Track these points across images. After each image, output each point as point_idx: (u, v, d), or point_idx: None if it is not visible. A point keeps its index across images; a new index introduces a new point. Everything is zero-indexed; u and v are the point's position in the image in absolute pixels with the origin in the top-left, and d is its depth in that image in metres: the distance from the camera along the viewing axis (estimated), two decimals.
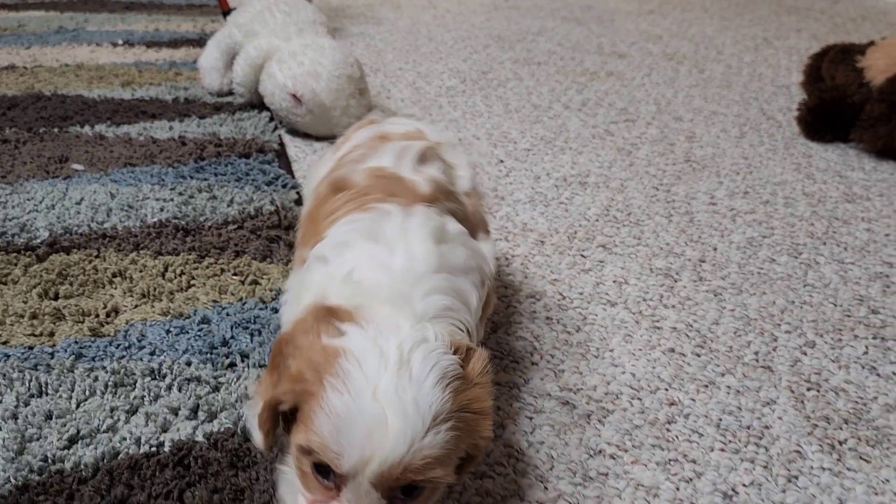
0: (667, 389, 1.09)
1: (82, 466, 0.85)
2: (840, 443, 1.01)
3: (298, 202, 1.53)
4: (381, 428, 0.58)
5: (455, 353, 0.66)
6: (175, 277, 1.22)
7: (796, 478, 0.95)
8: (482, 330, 0.87)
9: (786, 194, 1.73)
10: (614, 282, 1.35)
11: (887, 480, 0.95)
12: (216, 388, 0.99)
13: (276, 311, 1.15)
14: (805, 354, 1.18)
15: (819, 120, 2.03)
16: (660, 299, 1.31)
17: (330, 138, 1.86)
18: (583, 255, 1.43)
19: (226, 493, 0.83)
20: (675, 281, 1.37)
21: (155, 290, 1.19)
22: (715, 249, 1.48)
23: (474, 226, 0.94)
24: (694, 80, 2.55)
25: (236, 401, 0.97)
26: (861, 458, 0.99)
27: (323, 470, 0.62)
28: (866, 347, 1.21)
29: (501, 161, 1.83)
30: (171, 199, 1.46)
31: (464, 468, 0.69)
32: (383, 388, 0.60)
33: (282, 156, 1.75)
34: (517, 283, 1.32)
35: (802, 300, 1.33)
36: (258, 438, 0.70)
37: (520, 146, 1.93)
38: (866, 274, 1.42)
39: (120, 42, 2.55)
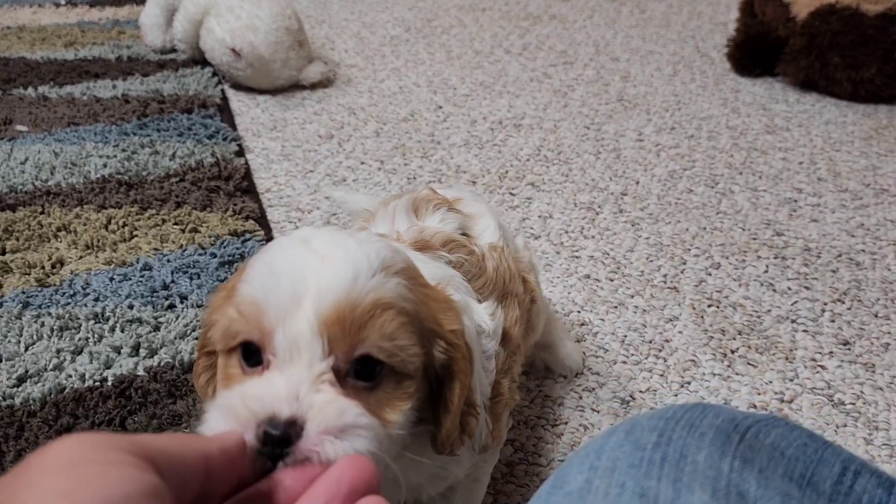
0: (579, 311, 1.18)
1: (31, 401, 0.93)
2: (732, 351, 1.11)
3: (239, 154, 1.58)
4: (316, 265, 0.49)
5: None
6: (118, 229, 1.28)
7: (689, 383, 1.06)
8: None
9: (710, 128, 1.82)
10: (539, 216, 1.44)
11: (770, 382, 1.06)
12: (157, 328, 1.07)
13: (214, 255, 1.22)
14: (710, 275, 1.28)
15: (747, 55, 2.10)
16: (581, 231, 1.39)
17: (272, 91, 1.91)
18: (512, 194, 1.51)
19: (164, 418, 0.92)
20: (597, 214, 1.45)
21: (99, 241, 1.25)
22: (637, 183, 1.57)
23: (495, 284, 0.74)
24: (634, 21, 2.60)
25: (175, 338, 1.04)
26: (749, 363, 1.09)
27: (249, 353, 0.51)
28: (767, 266, 1.31)
29: (440, 107, 1.89)
30: (114, 156, 1.51)
31: (447, 387, 0.57)
32: (319, 242, 0.52)
33: (224, 110, 1.80)
34: None
35: (714, 226, 1.42)
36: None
37: (459, 92, 1.99)
38: (776, 200, 1.52)
39: (62, 2, 2.54)
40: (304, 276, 0.49)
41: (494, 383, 0.68)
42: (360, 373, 0.50)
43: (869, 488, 0.41)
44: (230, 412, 0.46)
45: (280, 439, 0.44)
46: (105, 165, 1.47)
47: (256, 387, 0.48)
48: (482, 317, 0.68)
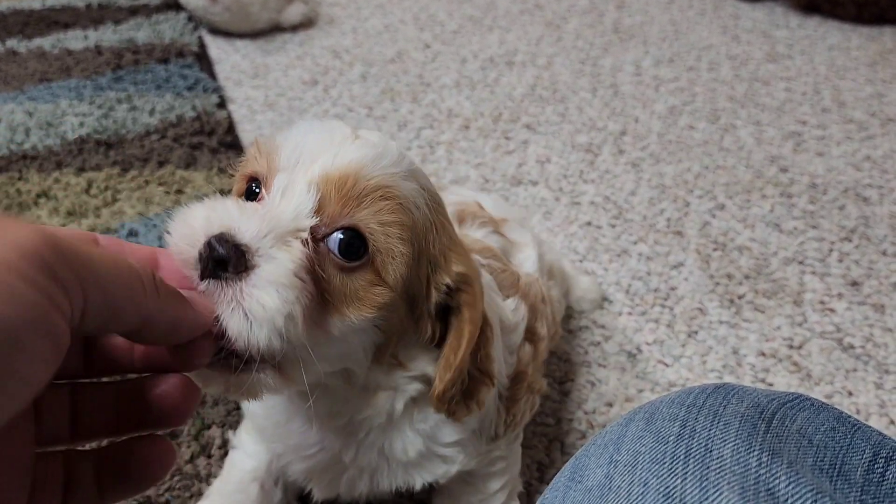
0: (581, 261, 1.15)
1: None
2: (739, 297, 1.09)
3: (221, 105, 1.52)
4: (349, 139, 0.49)
5: None
6: (100, 193, 1.23)
7: (696, 332, 1.03)
8: None
9: (710, 59, 1.75)
10: (537, 161, 1.39)
11: (778, 328, 1.04)
12: None
13: None
14: (714, 217, 1.25)
15: None
16: (580, 175, 1.35)
17: (252, 35, 1.82)
18: (507, 138, 1.46)
19: None
20: (596, 156, 1.40)
21: (80, 207, 1.20)
22: (636, 121, 1.51)
23: (523, 293, 0.70)
24: None
25: None
26: (756, 309, 1.07)
27: (251, 192, 0.50)
28: (772, 206, 1.27)
29: (428, 46, 1.81)
30: (91, 114, 1.44)
31: (450, 335, 0.53)
32: (366, 131, 0.52)
33: (203, 58, 1.71)
34: (441, 171, 1.35)
35: (717, 165, 1.38)
36: None
37: (447, 28, 1.90)
38: (780, 134, 1.47)
39: None
40: (333, 140, 0.48)
41: (516, 373, 0.65)
42: (344, 248, 0.47)
43: None
44: (189, 220, 0.43)
45: (219, 258, 0.41)
46: (82, 124, 1.41)
47: (230, 206, 0.44)
48: (504, 311, 0.65)
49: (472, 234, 0.72)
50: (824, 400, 0.93)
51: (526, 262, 0.77)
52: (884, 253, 1.17)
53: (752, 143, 1.44)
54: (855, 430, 0.43)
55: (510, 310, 0.66)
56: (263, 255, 0.42)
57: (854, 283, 1.11)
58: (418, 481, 0.61)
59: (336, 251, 0.46)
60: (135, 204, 1.21)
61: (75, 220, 1.18)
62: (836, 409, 0.45)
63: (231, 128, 1.45)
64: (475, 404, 0.56)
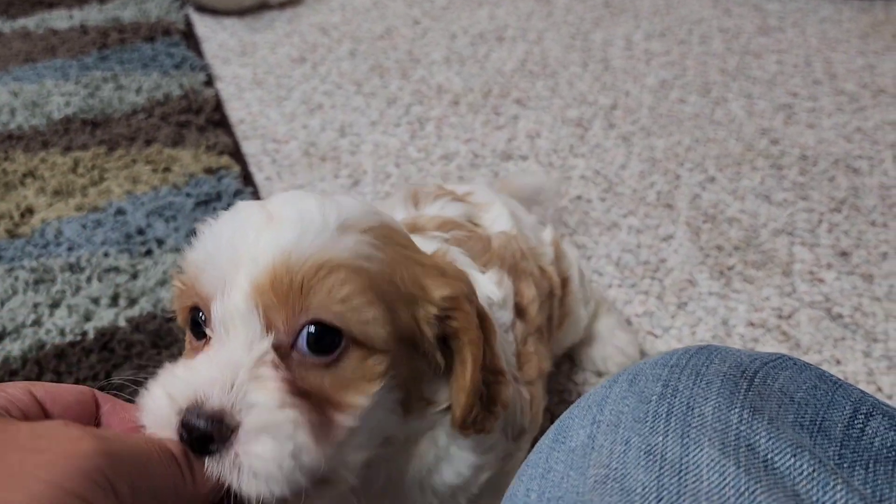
0: (571, 235, 1.15)
1: (11, 359, 0.90)
2: (728, 268, 1.09)
3: (208, 83, 1.50)
4: (260, 227, 0.44)
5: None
6: (87, 172, 1.22)
7: (686, 304, 1.03)
8: None
9: (702, 32, 1.74)
10: (527, 136, 1.38)
11: (768, 298, 1.04)
12: (134, 276, 1.03)
13: (189, 196, 1.17)
14: (705, 189, 1.24)
15: None
16: (570, 149, 1.34)
17: (239, 13, 1.80)
18: (497, 113, 1.45)
19: (150, 370, 0.89)
20: (586, 130, 1.40)
21: (67, 186, 1.19)
22: (627, 95, 1.50)
23: (502, 259, 0.66)
24: None
25: (155, 285, 1.01)
26: (746, 280, 1.07)
27: (196, 324, 0.46)
28: (762, 178, 1.27)
29: (417, 22, 1.79)
30: (77, 93, 1.43)
31: (456, 361, 0.50)
32: (276, 201, 0.46)
33: (189, 36, 1.70)
34: (431, 146, 1.34)
35: (708, 137, 1.37)
36: None
37: (437, 3, 1.88)
38: (771, 106, 1.46)
39: None
40: (246, 238, 0.43)
41: (518, 353, 0.62)
42: (316, 345, 0.43)
43: (881, 431, 0.39)
44: (152, 404, 0.41)
45: (203, 434, 0.38)
46: (68, 104, 1.40)
47: (182, 370, 0.42)
48: (488, 286, 0.61)
49: (427, 212, 0.69)
50: None
51: (497, 221, 0.72)
52: (873, 223, 1.17)
53: (743, 116, 1.43)
54: (836, 388, 0.43)
55: (493, 283, 0.62)
56: (241, 408, 0.40)
57: (843, 254, 1.11)
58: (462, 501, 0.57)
59: (310, 353, 0.43)
60: (122, 183, 1.20)
61: (62, 199, 1.17)
62: (818, 368, 0.45)
63: (219, 106, 1.44)
64: (499, 408, 0.52)
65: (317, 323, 0.42)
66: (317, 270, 0.42)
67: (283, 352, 0.42)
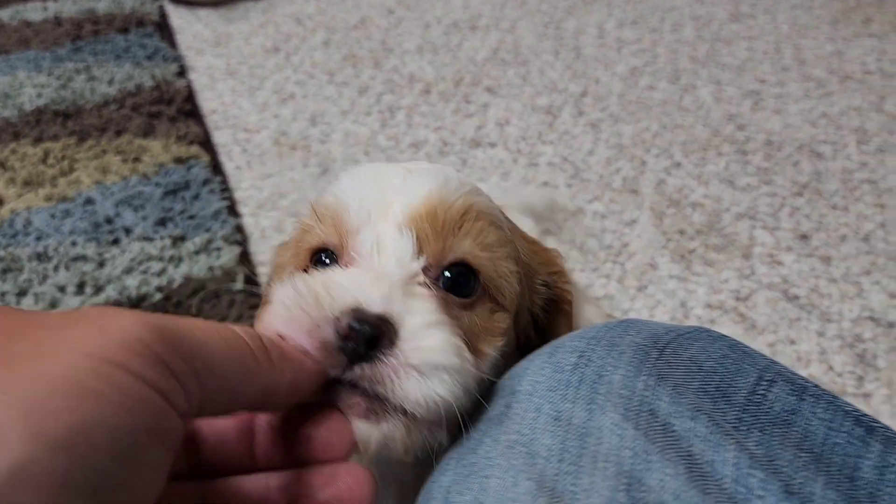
0: (536, 220, 1.16)
1: None
2: (690, 252, 1.11)
3: (181, 74, 1.51)
4: (402, 173, 0.44)
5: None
6: (57, 163, 1.23)
7: (646, 287, 1.05)
8: None
9: (674, 20, 1.75)
10: (496, 124, 1.39)
11: (727, 280, 1.06)
12: (101, 264, 1.04)
13: (158, 185, 1.18)
14: (670, 175, 1.26)
15: None
16: (539, 136, 1.36)
17: (214, 3, 1.80)
18: (467, 101, 1.46)
19: None
20: (555, 117, 1.41)
21: (37, 177, 1.20)
22: (597, 82, 1.52)
23: None
24: None
25: (121, 273, 1.02)
26: (706, 263, 1.09)
27: (321, 264, 0.44)
28: (727, 163, 1.28)
29: (392, 11, 1.80)
30: (49, 85, 1.44)
31: (554, 320, 0.51)
32: (407, 164, 0.47)
33: (164, 27, 1.70)
34: (400, 135, 1.36)
35: (675, 124, 1.39)
36: None
37: None
38: (739, 92, 1.48)
39: None
40: (391, 180, 0.43)
41: None
42: (454, 285, 0.42)
43: (781, 395, 0.40)
44: (303, 298, 0.37)
45: (370, 337, 0.36)
46: (39, 95, 1.40)
47: (339, 275, 0.39)
48: None
49: None
50: (766, 349, 0.95)
51: None
52: (834, 207, 1.19)
53: (710, 102, 1.45)
54: (745, 357, 0.44)
55: None
56: (402, 313, 0.38)
57: (803, 237, 1.13)
58: None
59: (451, 290, 0.42)
60: (92, 173, 1.21)
61: (32, 189, 1.18)
62: (733, 339, 0.46)
63: (190, 96, 1.45)
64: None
65: (462, 264, 0.43)
66: (465, 212, 0.43)
67: (430, 284, 0.41)
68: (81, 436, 0.22)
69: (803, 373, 0.82)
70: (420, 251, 0.41)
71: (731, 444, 0.36)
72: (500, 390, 0.45)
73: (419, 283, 0.41)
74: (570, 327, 0.52)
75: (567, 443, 0.39)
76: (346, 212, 0.43)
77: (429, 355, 0.37)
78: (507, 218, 0.50)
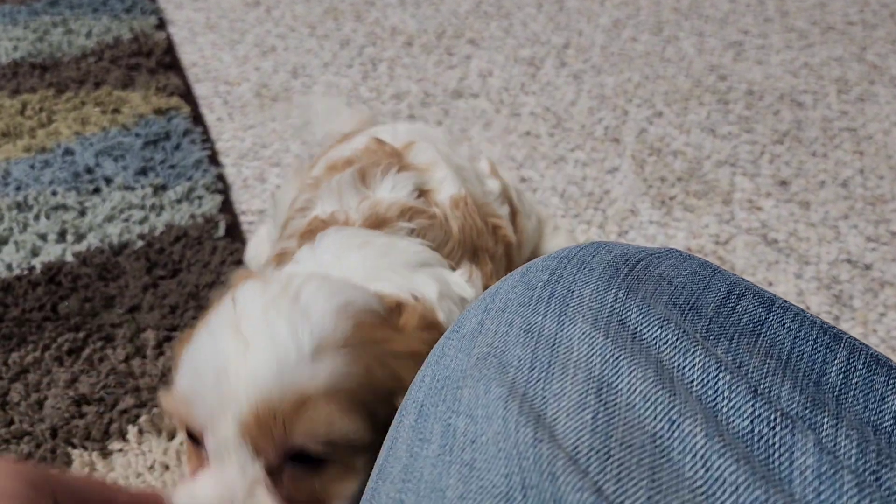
0: (519, 168, 1.17)
1: None
2: (671, 198, 1.12)
3: (160, 27, 1.49)
4: (239, 358, 0.46)
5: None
6: (35, 115, 1.22)
7: (627, 232, 1.06)
8: None
9: None
10: (479, 75, 1.39)
11: (706, 226, 1.07)
12: (83, 213, 1.03)
13: (138, 136, 1.17)
14: (651, 124, 1.26)
15: None
16: (521, 87, 1.35)
17: None
18: (450, 53, 1.45)
19: (96, 301, 0.91)
20: (538, 69, 1.41)
21: (15, 128, 1.19)
22: (580, 34, 1.51)
23: (464, 245, 0.67)
24: None
25: (103, 221, 1.02)
26: (686, 209, 1.10)
27: (194, 436, 0.49)
28: (709, 112, 1.29)
29: None
30: (25, 38, 1.41)
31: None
32: (250, 316, 0.48)
33: None
34: (382, 87, 1.35)
35: (657, 75, 1.39)
36: None
37: None
38: (722, 44, 1.48)
39: None
40: (227, 373, 0.46)
41: None
42: (303, 460, 0.47)
43: (750, 308, 0.41)
44: None
45: None
46: (16, 48, 1.38)
47: (188, 489, 0.47)
48: (459, 285, 0.63)
49: (380, 194, 0.67)
50: None
51: (445, 184, 0.70)
52: (813, 154, 1.20)
53: (693, 54, 1.45)
54: (715, 273, 0.45)
55: (465, 280, 0.63)
56: None
57: (783, 183, 1.14)
58: None
59: (301, 465, 0.47)
60: (71, 124, 1.20)
61: (10, 140, 1.17)
62: (703, 259, 0.46)
63: (170, 49, 1.43)
64: None
65: (299, 451, 0.46)
66: (295, 406, 0.45)
67: (274, 470, 0.47)
68: None
69: None
70: (258, 451, 0.46)
71: (700, 350, 0.37)
72: (473, 309, 0.46)
73: (261, 484, 0.46)
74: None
75: (538, 352, 0.40)
76: (194, 409, 0.47)
77: None
78: (376, 332, 0.50)
